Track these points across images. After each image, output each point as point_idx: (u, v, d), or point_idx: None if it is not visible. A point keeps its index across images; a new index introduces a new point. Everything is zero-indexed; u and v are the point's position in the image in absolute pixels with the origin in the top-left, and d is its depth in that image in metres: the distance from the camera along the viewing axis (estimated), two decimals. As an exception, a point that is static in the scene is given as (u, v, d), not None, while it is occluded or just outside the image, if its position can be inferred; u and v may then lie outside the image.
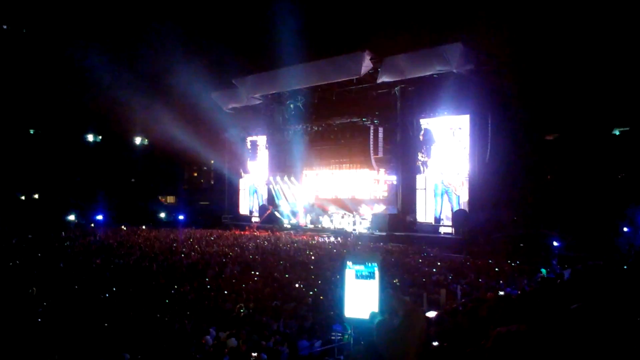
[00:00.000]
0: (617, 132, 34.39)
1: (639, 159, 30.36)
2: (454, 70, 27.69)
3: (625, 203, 26.51)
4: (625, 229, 25.78)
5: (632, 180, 30.83)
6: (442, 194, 29.97)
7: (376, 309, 2.12)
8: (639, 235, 24.63)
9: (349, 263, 2.33)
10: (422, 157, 30.88)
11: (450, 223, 29.31)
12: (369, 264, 2.41)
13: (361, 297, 2.41)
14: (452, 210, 29.41)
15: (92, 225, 38.99)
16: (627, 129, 33.86)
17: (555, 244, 22.54)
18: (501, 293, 11.69)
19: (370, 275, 2.35)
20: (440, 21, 32.31)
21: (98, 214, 40.86)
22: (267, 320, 10.93)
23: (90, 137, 53.29)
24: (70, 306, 11.58)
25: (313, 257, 20.69)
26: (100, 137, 54.08)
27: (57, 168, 46.32)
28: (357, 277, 2.42)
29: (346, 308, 2.42)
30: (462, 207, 28.91)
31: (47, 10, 38.35)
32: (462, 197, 29.15)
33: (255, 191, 41.72)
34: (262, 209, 39.79)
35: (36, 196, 47.87)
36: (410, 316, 1.67)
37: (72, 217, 41.34)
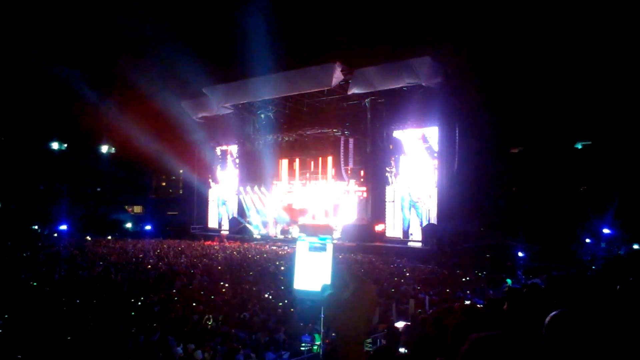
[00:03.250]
0: (579, 146, 35.44)
1: (601, 171, 31.32)
2: (423, 83, 28.19)
3: (588, 215, 27.29)
4: (587, 240, 26.52)
5: (593, 192, 31.76)
6: (409, 207, 30.31)
7: (327, 282, 2.11)
8: (601, 246, 25.37)
9: (302, 235, 2.30)
10: (390, 169, 31.22)
11: (418, 236, 29.67)
12: (322, 237, 2.39)
13: (312, 269, 2.36)
14: (420, 224, 29.78)
15: (56, 235, 37.97)
16: (589, 142, 34.93)
17: (520, 254, 23.01)
18: (467, 302, 11.86)
19: (323, 247, 2.32)
20: (409, 35, 32.85)
21: (62, 224, 39.85)
22: (236, 332, 10.81)
23: (54, 145, 51.98)
24: (33, 318, 11.23)
25: (283, 268, 20.59)
26: (65, 144, 52.81)
27: (20, 176, 45.03)
28: (310, 249, 2.37)
29: (296, 280, 2.37)
30: (431, 221, 29.30)
31: (9, 16, 37.46)
32: (430, 210, 29.53)
33: (225, 202, 41.30)
34: (233, 221, 39.38)
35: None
36: (361, 289, 1.70)
37: (35, 227, 40.22)
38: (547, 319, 1.99)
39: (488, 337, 1.75)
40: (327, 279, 2.25)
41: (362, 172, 34.21)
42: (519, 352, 1.76)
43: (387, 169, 31.40)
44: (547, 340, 1.96)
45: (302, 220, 35.40)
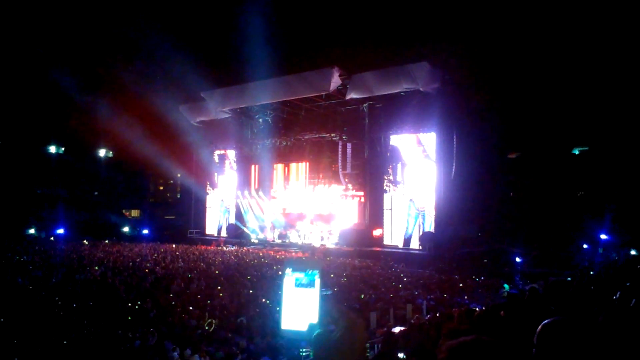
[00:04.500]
0: (576, 152, 35.52)
1: (598, 177, 31.38)
2: (421, 89, 28.21)
3: (585, 220, 27.31)
4: (584, 246, 26.54)
5: (591, 198, 31.81)
6: (415, 216, 30.14)
7: (315, 320, 2.03)
8: (598, 252, 25.37)
9: (288, 270, 2.21)
10: (388, 177, 31.22)
11: (418, 244, 29.67)
12: (310, 272, 2.30)
13: (300, 307, 2.29)
14: (421, 231, 29.74)
15: (53, 239, 37.85)
16: (586, 148, 35.02)
17: (518, 259, 23.00)
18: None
19: (311, 284, 2.25)
20: (407, 40, 32.96)
21: (59, 228, 39.73)
22: (234, 336, 10.78)
23: (52, 149, 51.90)
24: (29, 322, 11.18)
25: (280, 273, 20.53)
26: (62, 148, 52.73)
27: (17, 180, 44.91)
28: (296, 285, 2.31)
29: (283, 320, 2.30)
30: (430, 228, 29.29)
31: (8, 20, 37.46)
32: (429, 216, 29.49)
33: (227, 210, 41.06)
34: (231, 227, 39.26)
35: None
36: (351, 328, 1.64)
37: (32, 231, 40.11)
38: (539, 327, 1.98)
39: (462, 344, 1.74)
40: (314, 318, 2.19)
41: (359, 177, 34.25)
42: (493, 355, 1.76)
43: (385, 177, 31.40)
44: (538, 348, 1.96)
45: (301, 228, 35.31)
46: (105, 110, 41.74)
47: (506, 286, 17.26)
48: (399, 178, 30.98)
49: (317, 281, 2.27)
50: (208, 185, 42.40)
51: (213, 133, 40.21)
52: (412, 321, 11.15)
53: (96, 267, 20.95)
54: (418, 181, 30.14)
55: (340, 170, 34.31)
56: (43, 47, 38.34)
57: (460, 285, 18.52)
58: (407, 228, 30.49)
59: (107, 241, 35.92)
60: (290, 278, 2.41)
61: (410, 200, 30.45)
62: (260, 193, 38.55)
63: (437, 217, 29.01)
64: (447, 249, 27.02)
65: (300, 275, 2.37)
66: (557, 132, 32.24)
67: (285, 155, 37.55)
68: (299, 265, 2.16)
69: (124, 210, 55.65)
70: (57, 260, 23.65)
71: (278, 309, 12.64)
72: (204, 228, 42.16)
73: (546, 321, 2.00)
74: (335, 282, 17.97)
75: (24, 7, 38.24)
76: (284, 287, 2.30)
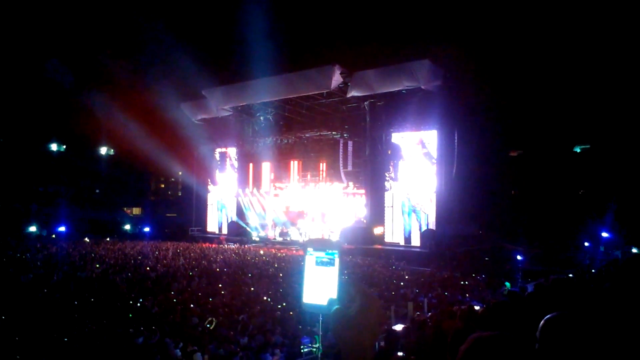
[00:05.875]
0: (578, 150, 35.49)
1: (600, 175, 31.35)
2: (422, 87, 28.18)
3: (586, 218, 27.30)
4: (586, 244, 26.53)
5: (592, 195, 31.79)
6: (409, 213, 30.25)
7: (334, 296, 2.06)
8: (599, 250, 25.36)
9: (310, 249, 2.22)
10: (389, 174, 31.23)
11: (417, 242, 29.69)
12: (330, 251, 2.33)
13: (320, 283, 2.33)
14: (419, 229, 29.77)
15: (54, 236, 37.91)
16: (588, 146, 34.99)
17: (519, 257, 23.00)
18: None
19: (330, 262, 2.28)
20: (408, 38, 32.94)
21: (60, 226, 39.79)
22: (234, 334, 10.79)
23: (53, 146, 51.95)
24: (31, 319, 11.21)
25: (281, 274, 20.55)
26: (64, 146, 52.78)
27: (18, 177, 44.96)
28: (317, 263, 2.33)
29: (305, 294, 2.33)
30: (430, 226, 29.33)
31: (9, 19, 37.46)
32: (430, 214, 29.50)
33: (224, 206, 41.14)
34: (232, 225, 39.30)
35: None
36: (367, 305, 1.66)
37: (33, 228, 40.16)
38: (542, 322, 2.00)
39: (488, 337, 1.76)
40: (333, 293, 2.22)
41: (360, 175, 34.28)
42: (518, 352, 1.77)
43: (386, 174, 31.41)
44: (541, 343, 1.98)
45: (302, 225, 35.33)
46: (106, 108, 41.77)
47: (507, 284, 17.26)
48: (398, 176, 31.01)
49: (337, 260, 2.29)
50: (209, 183, 42.44)
51: (214, 131, 40.23)
52: (413, 319, 11.16)
53: (97, 265, 20.98)
54: (416, 178, 30.15)
55: (341, 168, 34.33)
56: (45, 46, 38.35)
57: (462, 283, 18.52)
58: (404, 225, 30.55)
59: (108, 239, 35.96)
60: (311, 257, 2.43)
61: (407, 197, 30.49)
62: (262, 191, 38.57)
63: (438, 215, 29.02)
64: (449, 246, 27.02)
65: (320, 254, 2.41)
66: (558, 130, 32.24)
67: (287, 153, 37.56)
68: (319, 245, 2.18)
69: (125, 208, 55.71)
70: (59, 258, 23.69)
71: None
72: (205, 226, 42.21)
73: (549, 316, 2.01)
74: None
75: (25, 4, 38.26)
76: (306, 265, 2.32)
